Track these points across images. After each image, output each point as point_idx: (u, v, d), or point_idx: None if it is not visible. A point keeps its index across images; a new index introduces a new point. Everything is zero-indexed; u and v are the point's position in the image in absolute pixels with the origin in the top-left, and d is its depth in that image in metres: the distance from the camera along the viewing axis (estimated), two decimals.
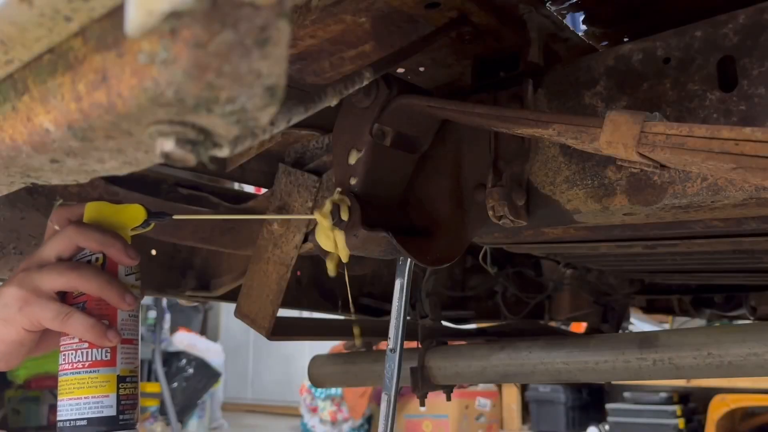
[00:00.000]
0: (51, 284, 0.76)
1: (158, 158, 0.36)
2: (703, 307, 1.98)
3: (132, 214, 0.82)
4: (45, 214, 1.13)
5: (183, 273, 1.36)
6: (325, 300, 1.50)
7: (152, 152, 0.39)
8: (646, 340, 1.17)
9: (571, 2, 0.79)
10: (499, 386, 4.88)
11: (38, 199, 1.13)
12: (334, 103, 0.58)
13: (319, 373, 1.64)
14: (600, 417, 4.34)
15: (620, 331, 1.87)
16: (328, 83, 0.62)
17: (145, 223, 0.82)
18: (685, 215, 0.76)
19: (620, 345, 1.20)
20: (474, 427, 4.72)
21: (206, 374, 5.17)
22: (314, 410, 5.11)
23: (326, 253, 0.85)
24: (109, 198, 1.12)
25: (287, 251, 1.04)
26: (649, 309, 2.15)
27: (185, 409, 5.03)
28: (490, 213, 0.79)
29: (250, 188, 1.57)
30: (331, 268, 0.85)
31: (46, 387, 4.22)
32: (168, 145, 0.35)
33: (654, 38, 0.72)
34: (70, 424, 0.76)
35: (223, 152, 0.37)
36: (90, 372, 0.77)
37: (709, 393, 3.59)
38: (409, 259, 1.14)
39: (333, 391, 4.93)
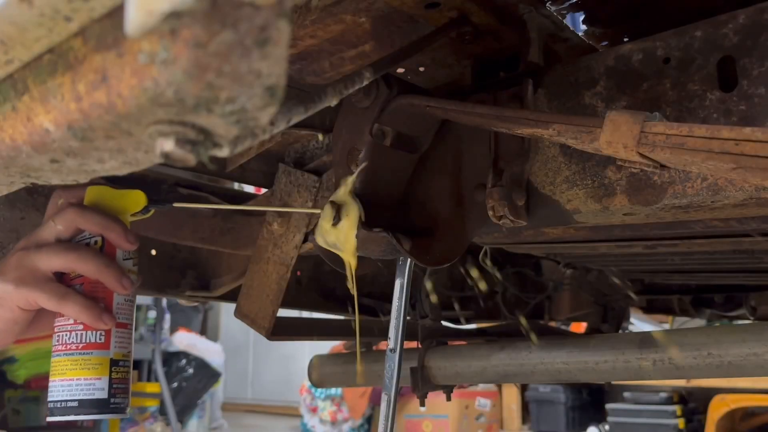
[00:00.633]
0: (49, 264, 0.76)
1: (158, 158, 0.36)
2: (703, 307, 1.98)
3: (133, 200, 0.83)
4: (44, 214, 1.13)
5: (183, 273, 1.36)
6: (325, 300, 1.50)
7: (152, 152, 0.39)
8: (646, 340, 1.17)
9: (571, 2, 0.79)
10: (499, 386, 4.88)
11: (38, 199, 1.13)
12: (334, 103, 0.58)
13: (319, 373, 1.64)
14: (600, 417, 4.34)
15: (620, 331, 1.87)
16: (328, 83, 0.62)
17: (145, 209, 0.83)
18: (685, 215, 0.76)
19: (620, 345, 1.20)
20: (474, 427, 4.72)
21: (206, 374, 5.17)
22: (314, 410, 5.11)
23: (327, 253, 0.85)
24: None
25: (287, 251, 1.04)
26: (649, 309, 2.15)
27: (185, 409, 5.03)
28: (490, 213, 0.79)
29: (250, 188, 1.57)
30: (352, 263, 0.83)
31: (46, 387, 4.22)
32: (168, 145, 0.35)
33: (654, 38, 0.72)
34: (60, 404, 0.76)
35: (223, 152, 0.37)
36: (83, 354, 0.77)
37: (709, 393, 3.59)
38: (409, 259, 1.14)
39: (333, 391, 4.93)
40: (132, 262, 0.82)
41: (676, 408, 3.81)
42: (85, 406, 0.76)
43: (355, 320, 1.45)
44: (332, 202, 0.80)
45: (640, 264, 1.44)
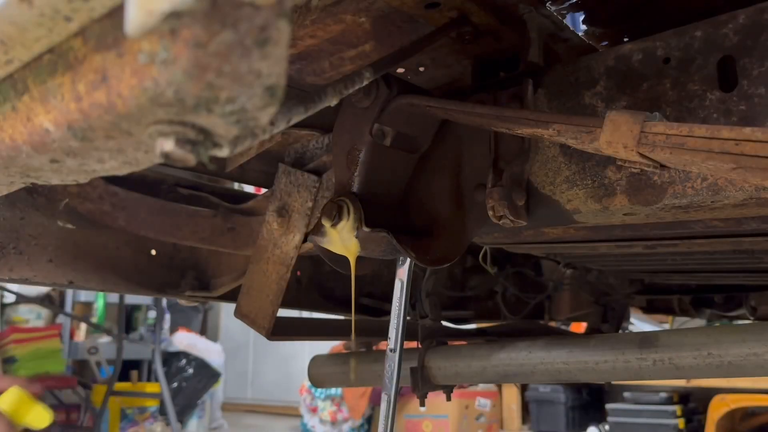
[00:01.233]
0: None
1: (158, 158, 0.36)
2: (703, 307, 1.98)
3: (39, 417, 1.00)
4: (45, 214, 1.13)
5: (183, 273, 1.36)
6: (325, 300, 1.50)
7: (152, 152, 0.39)
8: (646, 340, 1.17)
9: (571, 2, 0.79)
10: (499, 386, 4.88)
11: (38, 199, 1.13)
12: (334, 103, 0.58)
13: (319, 373, 1.63)
14: (600, 417, 4.34)
15: (620, 331, 1.87)
16: (328, 83, 0.62)
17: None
18: (685, 215, 0.76)
19: (620, 345, 1.20)
20: (474, 427, 4.71)
21: (206, 374, 5.17)
22: (314, 410, 5.11)
23: (327, 253, 0.85)
24: (109, 198, 1.12)
25: (287, 251, 1.04)
26: (649, 309, 2.15)
27: (185, 409, 5.02)
28: (490, 213, 0.79)
29: (250, 188, 1.57)
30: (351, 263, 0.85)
31: (46, 387, 4.22)
32: (168, 145, 0.35)
33: (654, 38, 0.72)
34: None
35: (223, 152, 0.37)
36: None
37: (709, 393, 3.59)
38: (409, 259, 1.14)
39: (333, 391, 4.93)
40: None
41: (676, 408, 3.81)
42: None
43: (354, 320, 1.45)
44: (332, 202, 0.80)
45: (640, 264, 1.44)
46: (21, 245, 1.11)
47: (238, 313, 1.14)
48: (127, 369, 4.54)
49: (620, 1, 0.81)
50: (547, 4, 0.79)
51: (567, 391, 4.50)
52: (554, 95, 0.79)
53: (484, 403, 4.81)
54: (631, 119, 0.58)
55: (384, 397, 1.20)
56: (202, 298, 1.40)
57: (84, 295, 4.49)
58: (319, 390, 4.95)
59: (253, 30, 0.30)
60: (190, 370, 5.07)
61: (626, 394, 4.06)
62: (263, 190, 1.20)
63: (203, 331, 6.36)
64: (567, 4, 0.80)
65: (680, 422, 3.77)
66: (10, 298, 4.28)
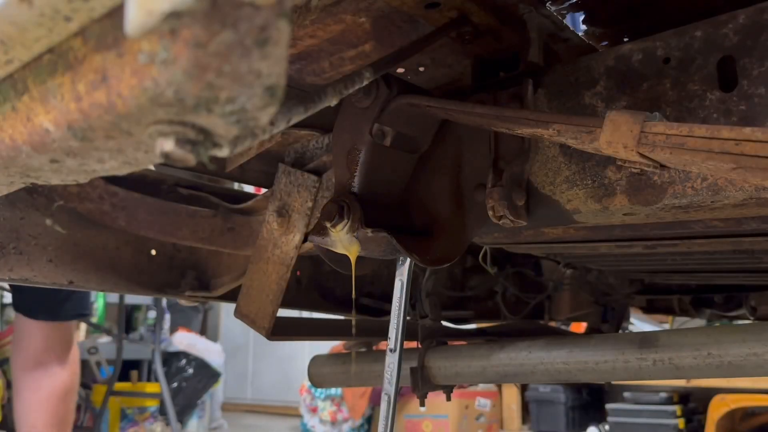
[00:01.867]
0: None
1: (158, 158, 0.36)
2: (703, 307, 1.98)
3: None
4: (45, 214, 1.13)
5: (183, 273, 1.36)
6: (325, 300, 1.50)
7: (152, 152, 0.39)
8: (646, 340, 1.17)
9: (571, 2, 0.79)
10: (499, 386, 4.88)
11: (38, 199, 1.13)
12: (334, 103, 0.58)
13: (319, 373, 1.63)
14: (600, 417, 4.34)
15: (620, 331, 1.87)
16: (328, 83, 0.62)
17: None
18: (685, 215, 0.76)
19: (620, 345, 1.20)
20: (474, 427, 4.71)
21: (206, 374, 5.17)
22: (314, 410, 5.11)
23: (327, 253, 0.85)
24: (109, 198, 1.12)
25: (287, 251, 1.04)
26: (649, 309, 2.15)
27: (185, 409, 5.02)
28: (490, 213, 0.79)
29: (250, 188, 1.57)
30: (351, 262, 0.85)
31: None
32: (168, 145, 0.35)
33: (654, 38, 0.72)
34: None
35: (223, 152, 0.37)
36: None
37: (709, 393, 3.59)
38: (409, 259, 1.14)
39: (333, 391, 4.93)
40: None
41: (676, 408, 3.81)
42: None
43: (354, 320, 1.45)
44: (332, 203, 0.80)
45: (640, 264, 1.44)
46: (21, 245, 1.11)
47: (238, 313, 1.13)
48: (127, 369, 4.54)
49: (620, 1, 0.81)
50: (547, 4, 0.79)
51: (567, 391, 4.50)
52: (554, 95, 0.79)
53: (484, 403, 4.81)
54: (631, 119, 0.58)
55: (384, 397, 1.20)
56: (202, 298, 1.40)
57: None
58: (319, 390, 4.95)
59: (253, 30, 0.30)
60: (190, 370, 5.07)
61: (626, 394, 4.06)
62: (263, 190, 1.20)
63: (203, 331, 6.36)
64: (567, 4, 0.80)
65: (680, 422, 3.77)
66: (10, 298, 4.27)
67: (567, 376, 1.26)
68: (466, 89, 0.87)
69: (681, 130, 0.55)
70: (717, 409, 3.48)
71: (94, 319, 4.52)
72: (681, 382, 3.81)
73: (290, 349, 6.68)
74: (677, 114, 0.69)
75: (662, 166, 0.60)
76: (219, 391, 5.61)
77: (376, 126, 0.80)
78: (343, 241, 0.80)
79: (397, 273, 1.15)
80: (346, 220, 0.79)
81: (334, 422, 5.01)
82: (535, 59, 0.80)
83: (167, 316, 4.88)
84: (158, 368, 4.19)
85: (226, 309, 6.74)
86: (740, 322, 2.07)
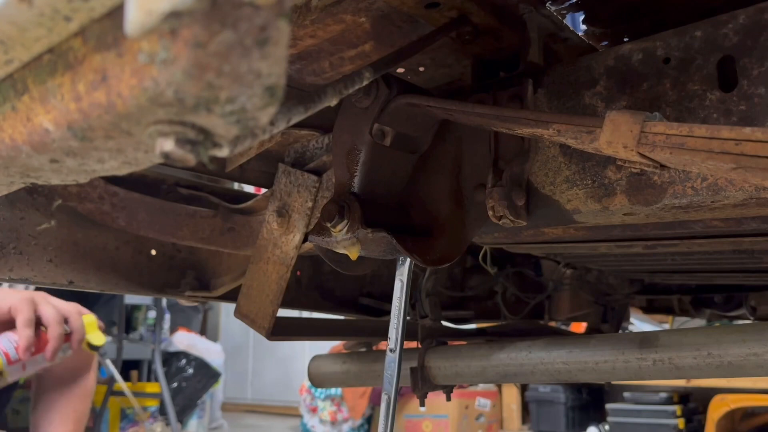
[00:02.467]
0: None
1: (158, 158, 0.36)
2: (703, 307, 1.98)
3: (98, 337, 1.51)
4: (45, 214, 1.13)
5: (183, 273, 1.36)
6: (325, 300, 1.50)
7: (152, 152, 0.39)
8: (646, 340, 1.17)
9: (571, 2, 0.79)
10: (499, 386, 4.88)
11: (38, 199, 1.13)
12: (333, 103, 0.58)
13: (319, 373, 1.63)
14: (600, 417, 4.34)
15: (620, 331, 1.87)
16: (327, 83, 0.62)
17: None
18: (685, 215, 0.76)
19: (620, 345, 1.20)
20: (474, 427, 4.71)
21: (206, 374, 5.17)
22: (314, 410, 5.11)
23: (327, 253, 0.85)
24: (109, 198, 1.12)
25: (287, 251, 1.04)
26: (649, 309, 2.15)
27: (185, 409, 5.02)
28: (490, 213, 0.79)
29: (249, 188, 1.57)
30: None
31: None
32: (168, 145, 0.35)
33: (654, 38, 0.72)
34: None
35: (223, 152, 0.37)
36: None
37: (709, 393, 3.59)
38: (409, 259, 1.14)
39: (333, 391, 4.93)
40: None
41: (676, 408, 3.80)
42: None
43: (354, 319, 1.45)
44: (332, 203, 0.80)
45: (640, 264, 1.44)
46: (21, 245, 1.11)
47: (238, 313, 1.14)
48: (127, 369, 4.54)
49: (620, 1, 0.81)
50: (547, 4, 0.79)
51: (567, 391, 4.50)
52: (554, 95, 0.79)
53: (484, 403, 4.81)
54: (631, 119, 0.58)
55: (384, 397, 1.20)
56: (202, 298, 1.40)
57: None
58: (319, 390, 4.95)
59: (253, 30, 0.30)
60: (190, 370, 5.06)
61: (626, 394, 4.06)
62: (263, 190, 1.20)
63: (203, 331, 6.36)
64: (567, 4, 0.80)
65: (680, 422, 3.77)
66: None
67: (567, 376, 1.26)
68: (465, 89, 0.87)
69: (681, 130, 0.55)
70: (717, 409, 3.48)
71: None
72: (681, 382, 3.81)
73: (290, 349, 6.68)
74: (677, 114, 0.69)
75: (662, 166, 0.60)
76: (219, 391, 5.61)
77: (376, 126, 0.80)
78: (343, 241, 0.80)
79: (397, 273, 1.15)
80: (346, 220, 0.79)
81: (334, 422, 5.01)
82: (535, 59, 0.80)
83: (167, 316, 4.88)
84: (158, 368, 4.19)
85: (226, 309, 6.74)
86: (740, 322, 2.07)
